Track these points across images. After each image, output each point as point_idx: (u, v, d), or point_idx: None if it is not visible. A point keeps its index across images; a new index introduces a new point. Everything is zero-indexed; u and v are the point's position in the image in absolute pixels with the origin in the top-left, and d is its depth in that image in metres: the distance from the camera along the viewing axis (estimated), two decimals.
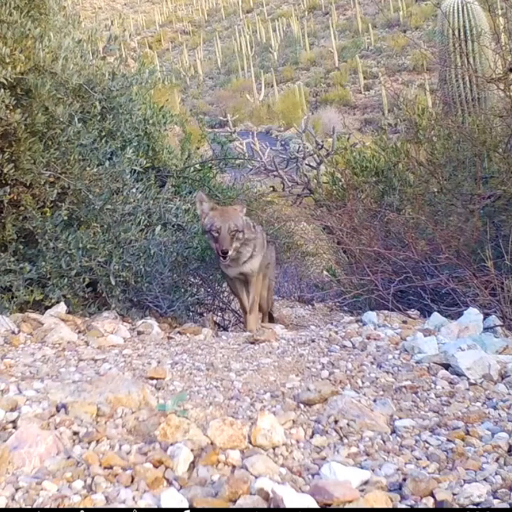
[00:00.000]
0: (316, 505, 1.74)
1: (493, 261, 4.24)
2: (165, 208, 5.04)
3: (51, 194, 4.15)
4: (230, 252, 4.04)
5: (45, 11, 4.66)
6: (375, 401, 2.63)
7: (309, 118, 16.37)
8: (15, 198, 4.10)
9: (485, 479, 1.99)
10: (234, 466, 2.02)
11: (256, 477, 1.91)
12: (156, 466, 1.97)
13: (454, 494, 1.89)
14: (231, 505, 1.78)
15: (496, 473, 2.02)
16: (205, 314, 5.29)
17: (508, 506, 1.84)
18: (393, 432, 2.37)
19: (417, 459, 2.16)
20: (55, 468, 1.95)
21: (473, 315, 3.80)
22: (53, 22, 4.71)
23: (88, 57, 4.61)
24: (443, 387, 2.79)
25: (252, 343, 3.49)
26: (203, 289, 5.47)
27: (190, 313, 4.79)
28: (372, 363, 3.13)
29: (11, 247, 4.11)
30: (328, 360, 3.17)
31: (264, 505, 1.76)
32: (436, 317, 3.98)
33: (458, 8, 10.61)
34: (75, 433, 2.17)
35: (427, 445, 2.26)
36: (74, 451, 2.05)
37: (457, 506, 1.85)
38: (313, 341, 3.56)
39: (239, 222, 4.14)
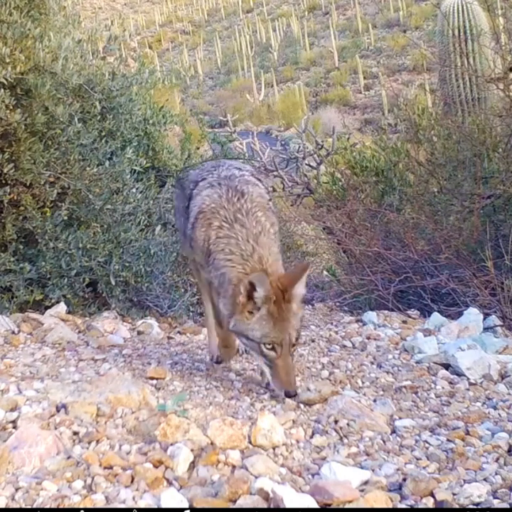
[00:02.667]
0: (316, 505, 1.74)
1: (493, 261, 4.24)
2: (165, 208, 5.04)
3: (51, 194, 4.15)
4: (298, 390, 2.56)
5: (45, 11, 4.66)
6: (375, 401, 2.63)
7: (309, 118, 16.36)
8: (15, 198, 4.10)
9: (485, 479, 1.99)
10: (234, 466, 2.02)
11: (256, 477, 1.91)
12: (156, 466, 1.97)
13: (454, 494, 1.89)
14: (231, 505, 1.78)
15: (496, 473, 2.02)
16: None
17: (508, 506, 1.84)
18: (393, 431, 2.37)
19: (417, 459, 2.16)
20: (55, 468, 1.95)
21: (473, 315, 3.80)
22: (53, 22, 4.71)
23: (88, 57, 4.61)
24: (443, 387, 2.79)
25: None
26: None
27: (191, 313, 4.79)
28: (372, 363, 3.13)
29: (11, 247, 4.11)
30: (328, 360, 3.17)
31: (264, 505, 1.75)
32: (436, 317, 3.99)
33: (458, 8, 10.62)
34: (75, 433, 2.17)
35: (427, 445, 2.26)
36: (74, 451, 2.05)
37: (457, 506, 1.85)
38: (313, 341, 3.56)
39: (299, 319, 2.65)
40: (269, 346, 2.50)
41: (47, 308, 4.05)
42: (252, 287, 2.48)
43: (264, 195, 2.90)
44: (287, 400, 2.59)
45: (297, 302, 2.61)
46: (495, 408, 2.56)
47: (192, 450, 2.05)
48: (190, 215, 2.89)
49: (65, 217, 4.21)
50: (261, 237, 2.66)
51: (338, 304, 5.56)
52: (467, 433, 2.31)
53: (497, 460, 2.12)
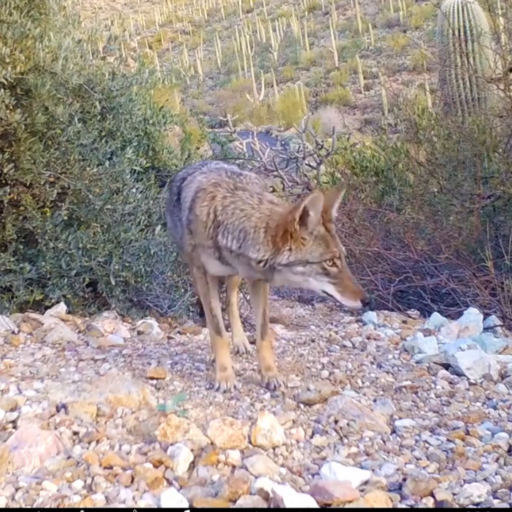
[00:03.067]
0: (316, 505, 1.74)
1: (493, 261, 4.24)
2: (165, 208, 5.03)
3: (51, 194, 4.15)
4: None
5: (45, 11, 4.66)
6: (375, 401, 2.63)
7: (309, 118, 16.35)
8: (15, 198, 4.10)
9: (485, 479, 1.99)
10: (234, 466, 2.02)
11: (256, 477, 1.91)
12: (156, 466, 1.97)
13: (454, 494, 1.89)
14: (231, 505, 1.78)
15: (496, 473, 2.02)
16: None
17: (508, 506, 1.84)
18: (393, 431, 2.38)
19: (417, 459, 2.16)
20: (55, 468, 1.95)
21: (473, 315, 3.80)
22: (53, 22, 4.71)
23: (88, 57, 4.61)
24: (443, 387, 2.79)
25: (252, 342, 3.49)
26: None
27: (191, 313, 4.78)
28: (372, 363, 3.13)
29: (11, 247, 4.11)
30: (328, 360, 3.17)
31: (264, 505, 1.76)
32: (436, 317, 3.99)
33: (458, 8, 10.62)
34: (75, 433, 2.17)
35: (427, 445, 2.26)
36: (74, 451, 2.05)
37: (457, 506, 1.85)
38: (313, 341, 3.56)
39: None
40: (330, 263, 2.52)
41: (47, 308, 4.05)
42: (305, 213, 2.50)
43: (260, 179, 2.94)
44: (287, 399, 2.59)
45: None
46: (495, 408, 2.56)
47: (192, 450, 2.05)
48: (184, 201, 2.84)
49: (65, 217, 4.21)
50: (264, 194, 2.72)
51: (338, 304, 5.56)
52: (467, 433, 2.32)
53: (497, 460, 2.12)
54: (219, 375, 2.76)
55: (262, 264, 2.58)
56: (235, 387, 2.73)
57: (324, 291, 2.58)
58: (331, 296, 2.58)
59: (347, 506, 1.76)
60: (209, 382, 2.80)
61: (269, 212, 2.61)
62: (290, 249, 2.54)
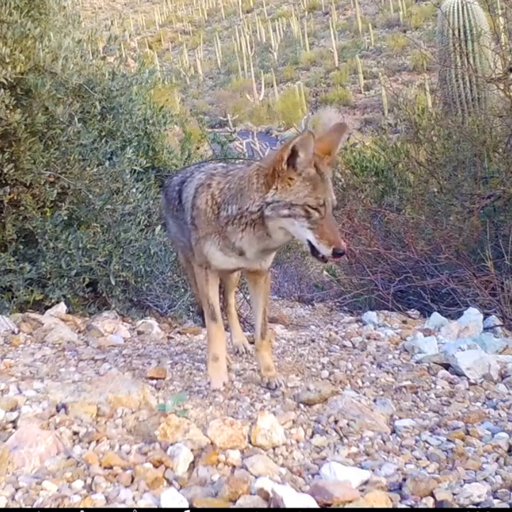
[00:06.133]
0: (316, 505, 1.74)
1: (493, 261, 4.24)
2: None
3: (51, 194, 4.15)
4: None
5: (45, 11, 4.66)
6: (375, 401, 2.63)
7: (309, 118, 16.36)
8: (15, 198, 4.10)
9: (485, 479, 1.99)
10: (234, 466, 2.02)
11: (256, 477, 1.91)
12: (156, 466, 1.97)
13: (454, 494, 1.89)
14: (231, 505, 1.78)
15: (496, 473, 2.02)
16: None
17: (508, 506, 1.84)
18: (393, 431, 2.38)
19: (417, 459, 2.16)
20: (55, 468, 1.95)
21: (473, 315, 3.81)
22: (53, 22, 4.71)
23: (88, 57, 4.62)
24: (443, 387, 2.79)
25: (251, 342, 3.49)
26: None
27: (190, 313, 4.79)
28: (372, 363, 3.13)
29: (11, 247, 4.11)
30: (328, 360, 3.17)
31: (264, 505, 1.75)
32: (436, 317, 3.99)
33: (458, 8, 10.61)
34: (75, 433, 2.17)
35: (427, 445, 2.26)
36: (74, 451, 2.05)
37: (457, 506, 1.85)
38: (313, 341, 3.56)
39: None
40: (314, 207, 2.45)
41: (47, 308, 4.05)
42: (294, 153, 2.45)
43: None
44: (287, 399, 2.59)
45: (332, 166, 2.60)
46: (495, 408, 2.56)
47: (192, 450, 2.05)
48: (186, 201, 2.86)
49: (65, 217, 4.21)
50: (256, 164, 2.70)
51: (338, 303, 5.57)
52: (467, 433, 2.32)
53: (497, 460, 2.12)
54: (210, 367, 2.70)
55: (257, 214, 2.55)
56: (224, 384, 2.66)
57: (307, 240, 2.50)
58: (310, 244, 2.50)
59: (347, 506, 1.76)
60: (208, 381, 2.80)
61: (259, 163, 2.66)
62: (276, 189, 2.51)
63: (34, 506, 1.77)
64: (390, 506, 1.82)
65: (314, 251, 2.49)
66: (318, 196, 2.46)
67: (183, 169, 3.68)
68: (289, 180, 2.49)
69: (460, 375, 2.90)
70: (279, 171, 2.49)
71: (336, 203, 2.56)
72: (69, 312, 4.10)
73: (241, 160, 8.87)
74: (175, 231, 3.22)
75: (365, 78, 34.81)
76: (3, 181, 4.06)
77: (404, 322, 4.22)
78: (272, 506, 1.74)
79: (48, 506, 1.75)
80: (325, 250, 2.46)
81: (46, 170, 4.14)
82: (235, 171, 2.75)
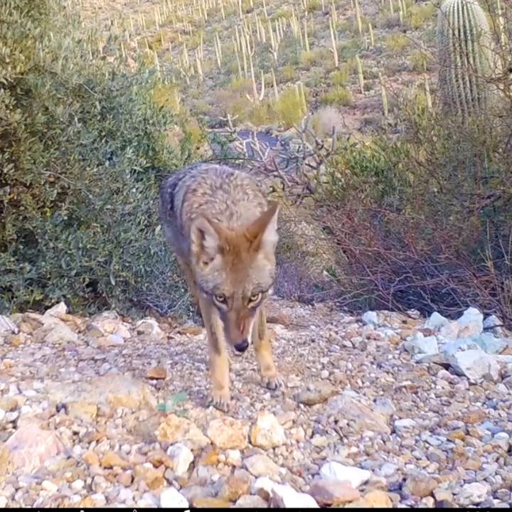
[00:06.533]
0: (316, 505, 1.74)
1: (493, 261, 4.24)
2: None
3: (51, 194, 4.15)
4: (249, 341, 2.30)
5: (45, 11, 4.66)
6: (375, 401, 2.63)
7: (309, 118, 16.37)
8: (15, 198, 4.10)
9: (485, 479, 1.99)
10: (234, 466, 2.02)
11: (256, 477, 1.91)
12: (156, 466, 1.97)
13: (454, 494, 1.89)
14: (231, 505, 1.78)
15: (496, 473, 2.02)
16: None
17: (508, 506, 1.84)
18: (393, 431, 2.38)
19: (417, 459, 2.16)
20: (55, 468, 1.95)
21: (473, 315, 3.81)
22: (53, 22, 4.71)
23: (88, 57, 4.62)
24: (443, 387, 2.79)
25: (252, 342, 3.49)
26: None
27: (190, 313, 4.79)
28: (372, 363, 3.13)
29: (11, 247, 4.11)
30: (328, 360, 3.17)
31: (264, 505, 1.75)
32: (436, 317, 3.99)
33: (458, 8, 10.61)
34: (75, 433, 2.18)
35: (427, 445, 2.26)
36: (74, 451, 2.05)
37: (457, 506, 1.85)
38: (313, 341, 3.56)
39: (265, 272, 2.35)
40: (221, 299, 2.28)
41: (47, 308, 4.05)
42: (202, 235, 2.29)
43: (254, 179, 2.74)
44: (287, 399, 2.59)
45: (267, 251, 2.34)
46: (495, 408, 2.56)
47: (192, 450, 2.05)
48: (177, 208, 2.71)
49: (65, 217, 4.21)
50: (242, 202, 2.47)
51: (338, 303, 5.57)
52: (467, 433, 2.31)
53: (497, 460, 2.12)
54: (214, 392, 2.56)
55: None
56: (227, 405, 2.51)
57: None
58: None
59: (347, 506, 1.76)
60: (208, 382, 2.79)
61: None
62: (195, 269, 2.38)
63: (34, 506, 1.77)
64: (390, 506, 1.82)
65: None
66: (225, 288, 2.26)
67: (178, 170, 3.53)
68: (204, 264, 2.33)
69: (460, 375, 2.90)
70: (193, 251, 2.33)
71: (259, 290, 2.29)
72: (69, 312, 4.10)
73: (239, 160, 8.88)
74: (169, 235, 3.13)
75: (365, 78, 34.80)
76: (3, 181, 4.06)
77: (404, 322, 4.22)
78: (272, 506, 1.74)
79: (48, 506, 1.75)
80: (229, 345, 2.33)
81: (46, 170, 4.14)
82: (221, 196, 2.50)
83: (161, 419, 2.21)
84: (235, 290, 2.26)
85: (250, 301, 2.28)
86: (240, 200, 2.49)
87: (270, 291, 2.39)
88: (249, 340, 2.28)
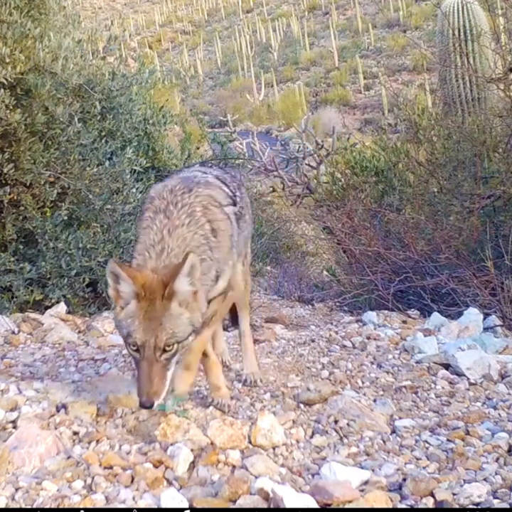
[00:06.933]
0: (316, 505, 1.74)
1: (493, 261, 4.24)
2: None
3: (51, 194, 4.15)
4: (158, 400, 2.11)
5: (45, 11, 4.67)
6: (375, 401, 2.63)
7: (309, 118, 16.36)
8: (15, 198, 4.10)
9: (485, 479, 1.99)
10: (234, 466, 2.02)
11: (256, 477, 1.91)
12: (156, 466, 1.97)
13: (454, 494, 1.89)
14: (231, 505, 1.78)
15: (496, 473, 2.02)
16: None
17: (508, 506, 1.84)
18: (393, 431, 2.37)
19: (417, 459, 2.16)
20: (55, 468, 1.95)
21: (473, 315, 3.80)
22: (53, 22, 4.72)
23: (88, 57, 4.62)
24: (443, 387, 2.79)
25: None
26: None
27: None
28: (372, 363, 3.13)
29: (11, 247, 4.12)
30: (328, 360, 3.17)
31: (264, 505, 1.75)
32: (436, 317, 3.99)
33: (458, 8, 10.61)
34: (75, 433, 2.18)
35: (427, 445, 2.26)
36: (74, 451, 2.05)
37: (457, 506, 1.85)
38: (313, 341, 3.56)
39: (182, 320, 2.20)
40: (133, 347, 2.14)
41: (47, 308, 4.05)
42: (116, 279, 2.17)
43: (218, 197, 2.50)
44: (287, 399, 2.59)
45: (182, 300, 2.18)
46: (495, 408, 2.56)
47: (192, 450, 2.05)
48: None
49: (65, 217, 4.21)
50: (180, 230, 2.30)
51: (338, 303, 5.57)
52: (467, 433, 2.31)
53: (497, 460, 2.12)
54: (213, 393, 2.52)
55: None
56: (228, 406, 2.47)
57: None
58: None
59: (347, 506, 1.76)
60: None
61: (143, 263, 2.27)
62: (114, 311, 2.25)
63: (34, 506, 1.77)
64: (390, 506, 1.82)
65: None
66: (136, 336, 2.13)
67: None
68: (120, 309, 2.20)
69: (460, 375, 2.90)
70: (112, 295, 2.21)
71: (175, 341, 2.14)
72: (69, 312, 4.09)
73: (239, 160, 8.87)
74: None
75: (365, 78, 34.77)
76: (3, 181, 4.06)
77: (404, 322, 4.21)
78: (272, 506, 1.74)
79: (48, 506, 1.75)
80: (137, 396, 2.13)
81: (46, 170, 4.14)
82: (159, 223, 2.32)
83: (161, 419, 2.22)
84: (147, 339, 2.12)
85: (164, 351, 2.13)
86: (179, 227, 2.31)
87: (190, 339, 2.22)
88: (162, 396, 2.11)
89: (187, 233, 2.31)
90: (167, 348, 2.13)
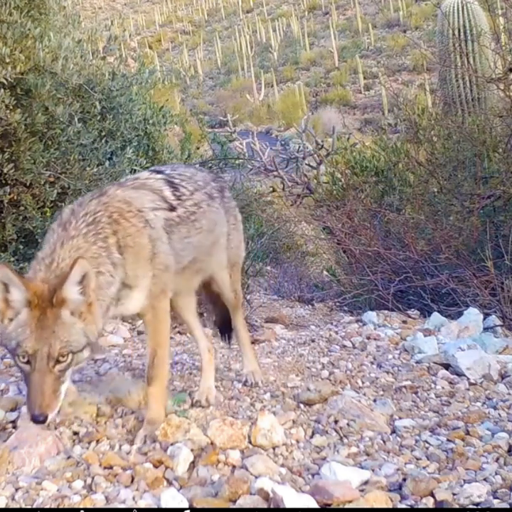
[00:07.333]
0: (316, 505, 1.74)
1: (493, 261, 4.24)
2: None
3: (51, 194, 4.15)
4: (52, 413, 1.99)
5: (45, 11, 4.66)
6: (375, 401, 2.63)
7: (309, 118, 16.36)
8: (15, 198, 4.10)
9: (485, 479, 1.99)
10: (234, 466, 2.02)
11: (256, 477, 1.91)
12: (156, 466, 1.97)
13: (454, 494, 1.89)
14: (231, 505, 1.78)
15: (496, 473, 2.02)
16: (205, 314, 5.28)
17: (508, 506, 1.84)
18: (393, 431, 2.38)
19: (417, 459, 2.16)
20: (55, 468, 1.96)
21: (473, 315, 3.80)
22: (53, 22, 4.71)
23: (88, 57, 4.61)
24: (443, 387, 2.79)
25: (252, 342, 3.49)
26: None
27: None
28: (372, 363, 3.13)
29: (11, 247, 4.11)
30: (328, 360, 3.17)
31: (264, 505, 1.76)
32: (436, 317, 3.99)
33: (458, 8, 10.61)
34: (75, 433, 2.18)
35: (427, 445, 2.26)
36: (74, 451, 2.05)
37: (457, 506, 1.85)
38: (313, 341, 3.56)
39: (76, 330, 2.09)
40: (23, 359, 2.01)
41: None
42: (6, 288, 2.05)
43: (139, 202, 2.37)
44: (287, 399, 2.59)
45: (74, 309, 2.07)
46: (495, 408, 2.56)
47: (192, 450, 2.05)
48: None
49: None
50: (74, 240, 2.19)
51: (338, 303, 5.57)
52: (467, 433, 2.32)
53: (497, 460, 2.12)
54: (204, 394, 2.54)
55: None
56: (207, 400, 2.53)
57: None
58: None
59: (347, 506, 1.76)
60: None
61: (33, 276, 2.16)
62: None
63: (34, 506, 1.77)
64: (390, 506, 1.82)
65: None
66: (27, 345, 2.00)
67: None
68: (9, 320, 2.07)
69: (460, 375, 2.90)
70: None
71: (69, 350, 2.03)
72: None
73: (241, 160, 8.87)
74: None
75: (365, 78, 34.76)
76: (3, 181, 4.06)
77: (404, 322, 4.22)
78: (272, 506, 1.74)
79: (48, 506, 1.75)
80: (28, 411, 1.99)
81: (46, 170, 4.14)
82: (58, 236, 2.22)
83: None
84: (39, 347, 2.00)
85: (58, 361, 2.01)
86: (74, 238, 2.20)
87: (86, 354, 2.12)
88: (56, 409, 1.99)
89: (83, 243, 2.19)
90: (61, 359, 2.02)
